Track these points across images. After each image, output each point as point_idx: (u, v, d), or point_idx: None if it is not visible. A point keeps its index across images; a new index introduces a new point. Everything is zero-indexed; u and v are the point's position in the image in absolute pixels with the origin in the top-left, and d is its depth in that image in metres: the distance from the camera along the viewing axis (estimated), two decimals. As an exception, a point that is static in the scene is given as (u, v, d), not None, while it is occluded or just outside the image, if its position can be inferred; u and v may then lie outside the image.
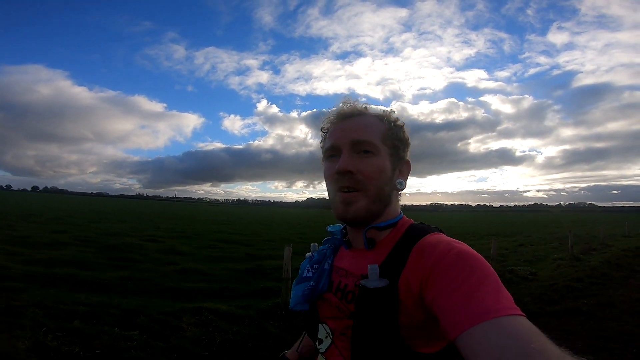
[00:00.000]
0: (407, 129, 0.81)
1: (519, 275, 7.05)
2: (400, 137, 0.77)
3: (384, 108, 0.80)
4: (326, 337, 0.75)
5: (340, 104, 0.80)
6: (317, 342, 0.77)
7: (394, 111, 0.80)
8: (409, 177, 0.81)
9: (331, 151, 0.76)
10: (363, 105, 0.80)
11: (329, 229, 0.85)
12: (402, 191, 0.80)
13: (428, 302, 0.58)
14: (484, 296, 0.51)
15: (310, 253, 0.86)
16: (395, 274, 0.64)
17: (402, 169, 0.79)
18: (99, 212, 29.74)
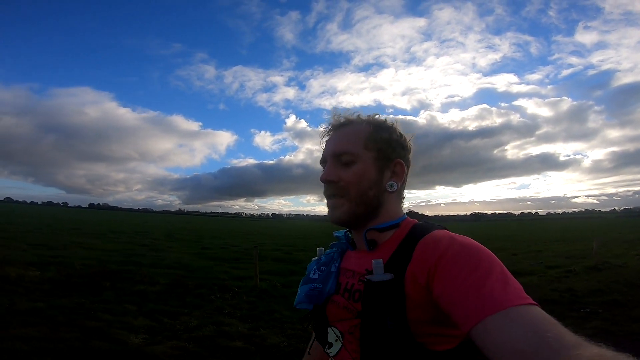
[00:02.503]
0: (398, 127, 0.79)
1: (613, 264, 8.65)
2: (385, 138, 0.76)
3: (374, 114, 0.81)
4: (336, 340, 0.74)
5: (332, 116, 0.82)
6: (326, 347, 0.76)
7: (379, 114, 0.81)
8: (406, 177, 0.79)
9: (322, 163, 0.81)
10: (355, 114, 0.81)
11: (335, 234, 0.86)
12: (404, 192, 0.80)
13: (436, 295, 0.57)
14: (493, 287, 0.51)
15: (317, 257, 0.86)
16: (401, 268, 0.64)
17: (395, 170, 0.77)
18: (198, 229, 32.79)
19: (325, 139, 0.82)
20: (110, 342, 3.41)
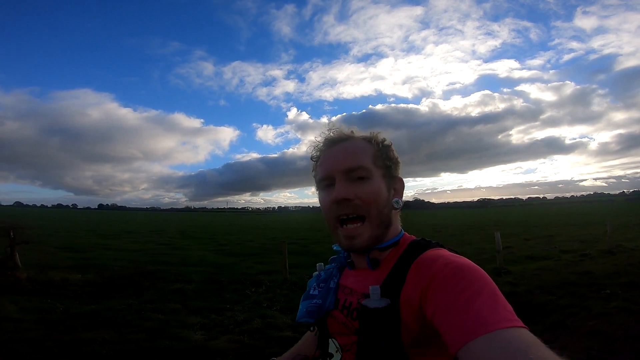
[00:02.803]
0: (394, 148, 0.80)
1: (626, 248, 8.85)
2: (390, 156, 0.77)
3: (371, 130, 0.80)
4: (336, 351, 0.76)
5: (327, 130, 0.80)
6: (327, 357, 0.78)
7: (380, 132, 0.79)
8: (403, 193, 0.79)
9: (325, 181, 0.75)
10: (350, 130, 0.79)
11: (335, 247, 0.84)
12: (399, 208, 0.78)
13: (429, 317, 0.57)
14: (480, 308, 0.51)
15: (317, 272, 0.86)
16: (395, 291, 0.64)
17: (396, 187, 0.78)
18: (219, 226, 33.47)
19: (316, 155, 0.80)
20: (175, 340, 3.61)
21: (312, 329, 0.83)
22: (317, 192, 0.80)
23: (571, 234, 15.35)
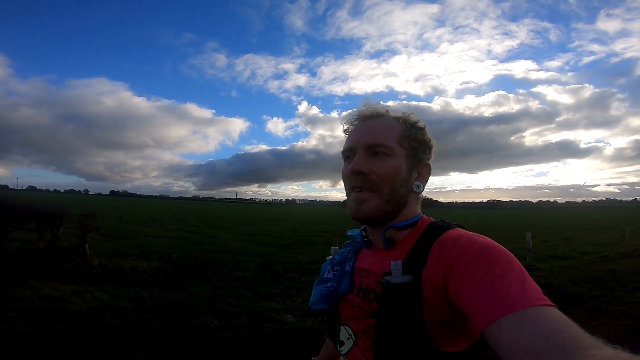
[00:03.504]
0: (429, 130, 0.79)
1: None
2: (419, 138, 0.76)
3: (410, 112, 0.79)
4: (348, 338, 0.74)
5: (362, 106, 0.81)
6: (338, 345, 0.77)
7: (413, 113, 0.79)
8: (428, 179, 0.78)
9: (348, 152, 0.77)
10: (385, 108, 0.79)
11: (349, 232, 0.85)
12: (422, 194, 0.78)
13: (452, 296, 0.57)
14: (509, 287, 0.51)
15: (331, 256, 0.86)
16: (417, 270, 0.63)
17: (421, 172, 0.77)
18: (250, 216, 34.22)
19: (350, 128, 0.80)
20: (275, 323, 3.89)
21: (320, 324, 0.83)
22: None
23: (587, 237, 15.75)
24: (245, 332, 3.70)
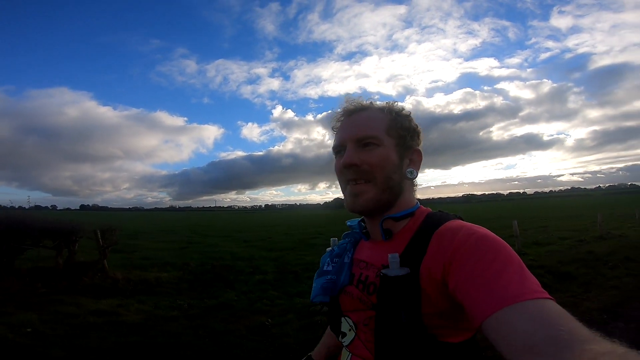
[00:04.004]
0: (413, 117, 0.80)
1: (615, 234, 10.51)
2: (405, 126, 0.77)
3: (394, 101, 0.80)
4: (349, 330, 0.75)
5: (345, 102, 0.81)
6: (340, 336, 0.78)
7: (397, 102, 0.80)
8: (421, 166, 0.79)
9: (338, 148, 0.78)
10: (368, 101, 0.81)
11: (348, 223, 0.86)
12: (416, 181, 0.79)
13: (451, 288, 0.58)
14: (509, 280, 0.51)
15: (330, 247, 0.86)
16: (416, 262, 0.64)
17: (412, 158, 0.78)
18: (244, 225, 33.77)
19: (337, 125, 0.81)
20: (323, 316, 3.89)
21: (321, 315, 0.99)
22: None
23: (561, 224, 17.04)
24: (298, 327, 4.03)
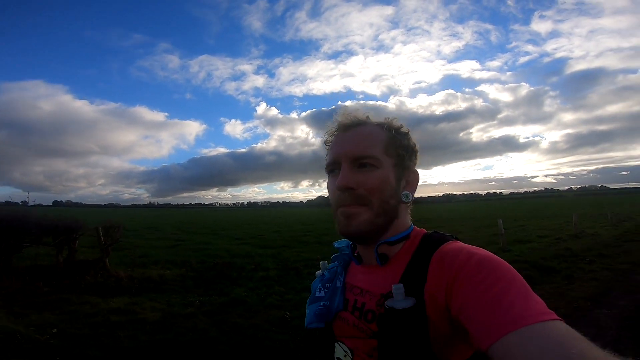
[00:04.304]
0: (413, 135, 0.75)
1: (588, 233, 11.30)
2: (404, 145, 0.72)
3: (387, 117, 0.75)
4: (345, 355, 0.71)
5: (341, 114, 0.75)
6: None
7: (396, 118, 0.75)
8: (417, 187, 0.74)
9: (332, 166, 0.73)
10: (365, 115, 0.75)
11: (336, 245, 0.81)
12: (410, 203, 0.74)
13: (455, 312, 0.55)
14: (513, 302, 0.49)
15: (320, 271, 0.82)
16: (418, 288, 0.61)
17: (409, 180, 0.73)
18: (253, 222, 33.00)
19: (331, 139, 0.76)
20: None
21: (315, 341, 0.79)
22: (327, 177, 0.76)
23: (538, 223, 18.04)
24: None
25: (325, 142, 0.78)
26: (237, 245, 12.87)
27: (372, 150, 0.69)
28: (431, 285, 0.60)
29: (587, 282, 5.29)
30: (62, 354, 3.34)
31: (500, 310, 0.49)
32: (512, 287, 0.52)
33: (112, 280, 6.31)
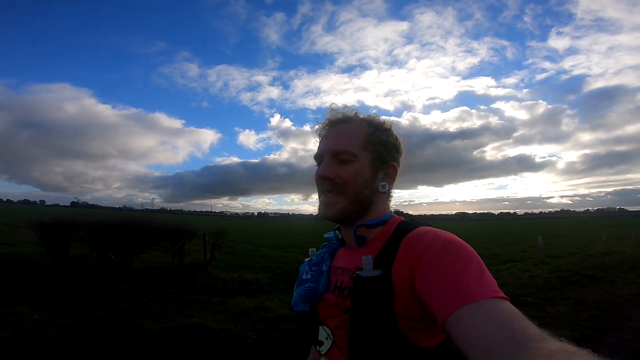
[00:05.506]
0: (394, 130, 0.84)
1: (615, 251, 12.31)
2: (383, 140, 0.80)
3: (372, 114, 0.84)
4: (327, 338, 0.77)
5: (330, 112, 0.85)
6: (318, 345, 0.80)
7: (377, 115, 0.84)
8: (395, 179, 0.83)
9: (318, 159, 0.83)
10: (353, 112, 0.84)
11: (326, 235, 0.90)
12: (392, 192, 0.84)
13: (418, 290, 0.61)
14: (468, 281, 0.55)
15: (309, 257, 0.89)
16: (387, 265, 0.67)
17: (387, 172, 0.82)
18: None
19: (321, 134, 0.85)
20: None
21: (300, 325, 0.86)
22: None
23: (562, 242, 18.52)
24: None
25: (318, 136, 0.87)
26: (285, 253, 13.21)
27: (350, 145, 0.78)
28: (399, 262, 0.67)
29: (629, 285, 6.34)
30: (279, 346, 3.65)
31: (456, 288, 0.55)
32: (470, 267, 0.58)
33: (220, 283, 6.81)
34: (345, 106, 0.85)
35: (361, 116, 0.84)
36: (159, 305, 5.17)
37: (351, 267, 0.76)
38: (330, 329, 0.77)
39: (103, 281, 5.96)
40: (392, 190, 0.84)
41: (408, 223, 0.76)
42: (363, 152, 0.79)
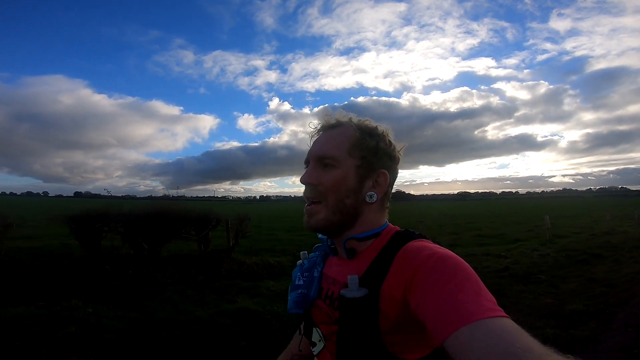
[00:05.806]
0: (389, 135, 0.80)
1: (619, 230, 12.60)
2: (371, 146, 0.76)
3: (363, 119, 0.80)
4: (319, 340, 0.79)
5: (322, 115, 0.83)
6: (312, 345, 0.82)
7: (369, 119, 0.80)
8: (388, 187, 0.78)
9: (305, 164, 0.81)
10: (348, 116, 0.80)
11: (320, 235, 0.86)
12: (388, 201, 0.80)
13: (413, 307, 0.59)
14: (466, 299, 0.53)
15: (301, 260, 0.88)
16: (377, 282, 0.66)
17: (378, 180, 0.77)
18: None
19: (313, 139, 0.83)
20: None
21: (300, 332, 0.86)
22: None
23: (566, 222, 18.69)
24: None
25: (309, 142, 0.85)
26: (298, 236, 13.18)
27: (334, 151, 0.75)
28: (391, 280, 0.65)
29: (634, 264, 6.62)
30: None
31: (453, 307, 0.53)
32: (466, 285, 0.56)
33: (245, 267, 6.96)
34: (340, 109, 0.83)
35: (354, 121, 0.80)
36: (197, 292, 5.37)
37: (342, 279, 0.74)
38: (322, 333, 0.78)
39: (138, 271, 6.14)
40: (387, 200, 0.80)
41: (403, 235, 0.73)
42: (348, 158, 0.75)
